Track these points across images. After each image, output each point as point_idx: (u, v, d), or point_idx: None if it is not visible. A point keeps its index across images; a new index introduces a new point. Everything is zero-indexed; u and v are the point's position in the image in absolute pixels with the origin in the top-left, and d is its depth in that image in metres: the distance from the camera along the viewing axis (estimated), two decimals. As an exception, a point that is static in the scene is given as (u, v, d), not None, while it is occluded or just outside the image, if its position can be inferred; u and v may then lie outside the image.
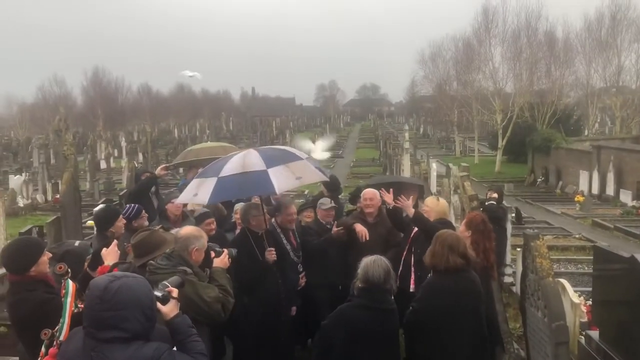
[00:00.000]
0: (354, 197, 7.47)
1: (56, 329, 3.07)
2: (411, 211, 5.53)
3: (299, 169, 5.03)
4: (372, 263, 4.09)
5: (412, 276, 5.57)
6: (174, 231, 4.39)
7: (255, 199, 5.77)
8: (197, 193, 4.97)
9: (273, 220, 6.04)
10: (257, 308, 5.32)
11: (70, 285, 2.82)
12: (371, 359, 4.06)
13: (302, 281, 6.01)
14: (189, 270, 3.81)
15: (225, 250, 4.31)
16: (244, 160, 5.00)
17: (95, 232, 5.94)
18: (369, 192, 6.34)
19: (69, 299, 2.67)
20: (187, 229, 4.25)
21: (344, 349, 4.04)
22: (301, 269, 6.02)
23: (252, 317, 5.31)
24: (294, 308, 5.78)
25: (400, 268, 5.62)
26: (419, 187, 7.70)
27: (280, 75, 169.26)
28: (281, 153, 5.30)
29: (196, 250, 4.03)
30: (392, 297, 4.24)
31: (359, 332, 4.03)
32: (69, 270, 3.29)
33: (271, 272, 5.43)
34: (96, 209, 6.52)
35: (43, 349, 2.68)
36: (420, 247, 5.22)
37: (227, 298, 3.96)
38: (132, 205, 6.10)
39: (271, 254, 5.39)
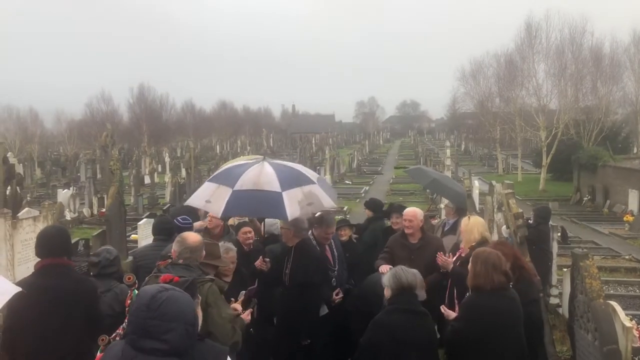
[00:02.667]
0: (388, 212, 7.42)
1: (113, 335, 3.13)
2: (450, 268, 5.41)
3: (311, 195, 5.04)
4: (400, 269, 4.26)
5: (457, 309, 5.42)
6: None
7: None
8: (211, 200, 4.96)
9: (310, 232, 5.97)
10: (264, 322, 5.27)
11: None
12: None
13: (337, 297, 5.79)
14: (215, 279, 3.92)
15: (250, 310, 4.42)
16: (259, 177, 4.96)
17: (156, 239, 6.02)
18: (410, 213, 6.06)
19: None
20: (194, 237, 4.26)
21: (390, 357, 4.03)
22: (335, 283, 5.88)
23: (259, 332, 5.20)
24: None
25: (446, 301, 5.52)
26: (461, 200, 7.55)
27: (321, 92, 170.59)
28: (295, 174, 5.25)
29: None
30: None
31: (398, 337, 4.03)
32: (137, 281, 3.34)
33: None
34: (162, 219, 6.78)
35: (99, 354, 2.72)
36: (460, 280, 5.05)
37: (237, 329, 3.96)
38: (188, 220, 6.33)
39: (261, 264, 5.35)
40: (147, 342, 2.23)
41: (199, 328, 2.58)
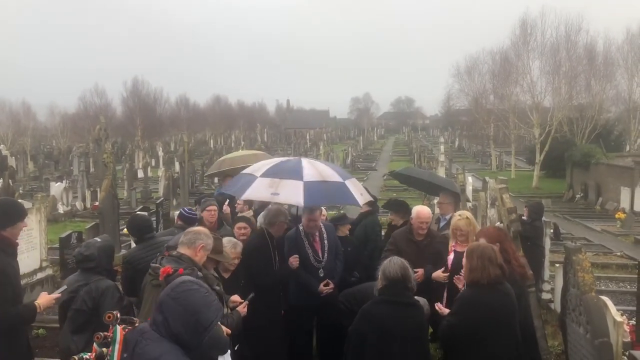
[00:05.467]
0: (395, 206, 7.40)
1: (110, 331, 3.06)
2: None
3: (357, 186, 5.53)
4: (388, 262, 4.27)
5: None
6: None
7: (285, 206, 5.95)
8: (279, 192, 5.06)
9: (300, 224, 5.98)
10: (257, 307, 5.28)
11: (119, 332, 2.65)
12: (401, 355, 4.06)
13: (326, 288, 5.69)
14: (200, 274, 3.78)
15: (246, 303, 4.45)
16: (318, 170, 5.31)
17: (135, 240, 5.98)
18: (425, 214, 6.09)
19: (116, 346, 2.62)
20: (200, 228, 4.36)
21: (374, 347, 4.06)
22: (322, 274, 5.77)
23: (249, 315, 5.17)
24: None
25: (445, 296, 5.53)
26: (454, 194, 7.57)
27: (316, 88, 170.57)
28: (338, 169, 5.70)
29: (202, 248, 4.00)
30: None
31: (384, 328, 4.06)
32: (119, 316, 3.22)
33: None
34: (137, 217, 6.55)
35: (96, 347, 2.73)
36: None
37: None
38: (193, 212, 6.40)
39: (295, 260, 5.42)
40: (158, 315, 2.40)
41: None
